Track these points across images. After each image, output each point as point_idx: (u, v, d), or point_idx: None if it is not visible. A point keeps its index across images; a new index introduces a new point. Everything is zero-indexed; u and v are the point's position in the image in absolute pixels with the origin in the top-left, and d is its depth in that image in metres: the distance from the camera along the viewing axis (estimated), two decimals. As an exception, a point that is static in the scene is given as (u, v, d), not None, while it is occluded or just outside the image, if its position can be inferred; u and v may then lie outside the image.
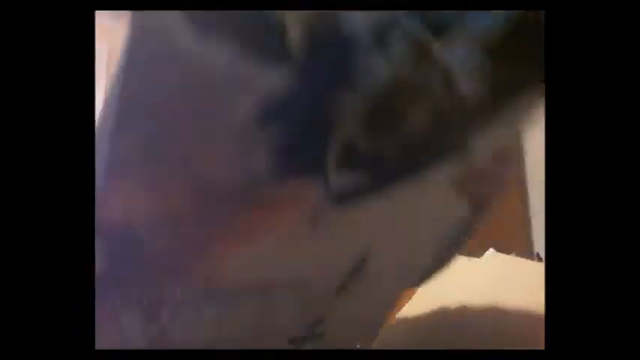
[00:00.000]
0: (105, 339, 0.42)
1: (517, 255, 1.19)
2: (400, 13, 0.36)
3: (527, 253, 1.71)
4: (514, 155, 0.50)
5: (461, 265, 0.76)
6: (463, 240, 0.58)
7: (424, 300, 0.73)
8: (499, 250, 1.13)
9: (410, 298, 0.76)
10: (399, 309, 0.75)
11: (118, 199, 0.37)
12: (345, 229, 0.43)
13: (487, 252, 1.09)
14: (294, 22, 0.33)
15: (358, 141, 0.38)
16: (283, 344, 0.51)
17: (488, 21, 0.39)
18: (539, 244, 1.77)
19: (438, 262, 0.57)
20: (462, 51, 0.38)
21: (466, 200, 0.47)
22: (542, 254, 1.70)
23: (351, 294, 0.50)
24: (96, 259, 0.37)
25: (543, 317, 0.36)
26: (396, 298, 0.58)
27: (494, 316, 0.67)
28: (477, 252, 1.12)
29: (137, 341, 0.44)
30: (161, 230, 0.38)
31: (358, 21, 0.34)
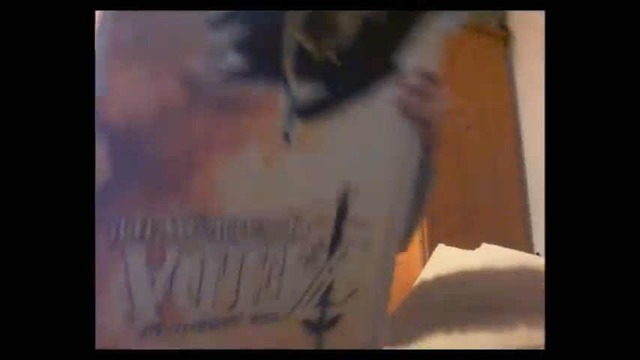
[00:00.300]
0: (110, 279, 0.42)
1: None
2: None
3: (527, 252, 1.71)
4: (442, 76, 0.56)
5: (458, 254, 0.77)
6: (431, 172, 0.64)
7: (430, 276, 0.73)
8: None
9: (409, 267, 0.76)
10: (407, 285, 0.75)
11: (118, 97, 0.41)
12: (315, 148, 0.49)
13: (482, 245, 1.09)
14: None
15: (305, 45, 0.47)
16: (296, 322, 0.50)
17: None
18: (540, 245, 1.76)
19: (416, 200, 0.59)
20: None
21: (413, 119, 0.54)
22: (542, 254, 1.70)
23: (350, 256, 0.52)
24: (98, 165, 0.40)
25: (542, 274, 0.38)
26: (395, 259, 0.58)
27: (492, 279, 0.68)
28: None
29: (142, 283, 0.43)
30: (158, 132, 0.43)
31: None
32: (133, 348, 0.43)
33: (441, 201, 1.56)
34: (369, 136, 0.53)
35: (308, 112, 0.48)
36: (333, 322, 0.52)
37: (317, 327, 0.51)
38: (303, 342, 0.51)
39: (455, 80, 1.70)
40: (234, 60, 0.44)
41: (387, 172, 0.55)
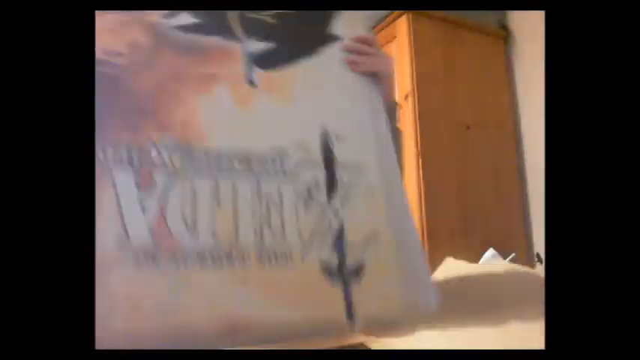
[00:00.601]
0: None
1: (517, 255, 1.19)
2: None
3: (527, 253, 1.70)
4: (377, 42, 0.67)
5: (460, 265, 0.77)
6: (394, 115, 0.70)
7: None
8: (499, 249, 1.13)
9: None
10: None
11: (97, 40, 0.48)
12: (283, 92, 0.56)
13: (487, 252, 1.09)
14: None
15: (247, 13, 0.56)
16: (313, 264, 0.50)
17: None
18: (540, 245, 1.76)
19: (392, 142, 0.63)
20: None
21: (362, 73, 0.63)
22: (542, 254, 1.70)
23: (350, 204, 0.54)
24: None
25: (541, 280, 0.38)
26: (407, 206, 0.60)
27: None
28: (478, 249, 1.11)
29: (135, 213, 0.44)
30: (131, 66, 0.50)
31: None
32: (129, 276, 0.43)
33: (441, 201, 1.56)
34: (329, 85, 0.60)
35: (266, 62, 0.56)
36: (357, 271, 0.52)
37: (340, 275, 0.51)
38: (328, 289, 0.50)
39: (455, 80, 1.71)
40: (187, 19, 0.54)
41: (359, 121, 0.61)
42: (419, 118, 1.57)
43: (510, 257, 1.14)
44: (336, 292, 0.50)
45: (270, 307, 0.46)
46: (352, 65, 0.63)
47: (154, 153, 0.47)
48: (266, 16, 0.58)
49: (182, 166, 0.47)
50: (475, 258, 1.08)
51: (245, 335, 0.44)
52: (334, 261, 0.51)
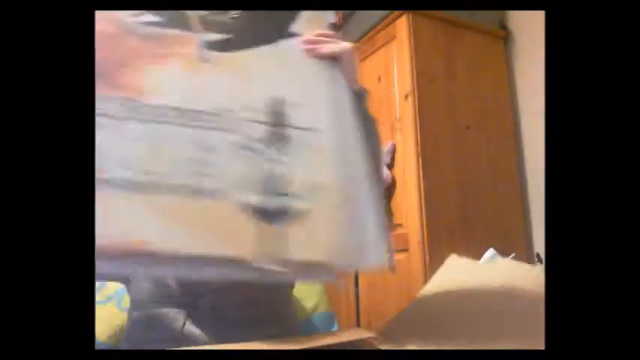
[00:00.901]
0: None
1: (517, 255, 1.19)
2: None
3: (527, 253, 1.71)
4: (332, 34, 0.70)
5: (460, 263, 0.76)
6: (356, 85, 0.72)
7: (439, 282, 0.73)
8: (499, 249, 1.13)
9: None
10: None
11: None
12: (236, 67, 0.60)
13: (487, 252, 1.09)
14: None
15: (206, 16, 0.62)
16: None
17: None
18: (539, 245, 1.76)
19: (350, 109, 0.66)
20: None
21: (321, 57, 0.66)
22: (542, 254, 1.70)
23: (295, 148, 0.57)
24: None
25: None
26: (363, 170, 0.62)
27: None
28: (478, 249, 1.11)
29: None
30: (102, 46, 0.54)
31: None
32: None
33: (441, 201, 1.56)
34: (285, 63, 0.64)
35: (222, 47, 0.61)
36: (295, 216, 0.53)
37: (272, 218, 0.52)
38: (254, 230, 0.51)
39: (455, 80, 1.71)
40: (150, 18, 0.60)
41: (314, 92, 0.64)
42: (419, 118, 1.57)
43: (510, 257, 1.14)
44: (264, 234, 0.51)
45: (185, 238, 0.48)
46: (311, 51, 0.65)
47: (97, 102, 0.50)
48: (227, 18, 0.63)
49: (121, 114, 0.51)
50: (475, 258, 1.08)
51: (151, 261, 0.46)
52: (269, 204, 0.52)
